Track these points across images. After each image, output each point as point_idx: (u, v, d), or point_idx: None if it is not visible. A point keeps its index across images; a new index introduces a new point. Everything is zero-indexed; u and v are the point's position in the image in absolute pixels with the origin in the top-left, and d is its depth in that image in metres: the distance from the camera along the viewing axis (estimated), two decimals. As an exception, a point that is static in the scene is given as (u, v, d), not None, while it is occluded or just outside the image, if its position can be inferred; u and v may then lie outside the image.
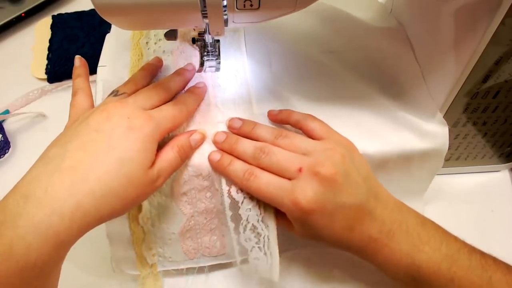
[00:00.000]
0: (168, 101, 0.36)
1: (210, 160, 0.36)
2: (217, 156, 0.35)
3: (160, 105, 0.35)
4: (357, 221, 0.33)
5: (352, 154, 0.35)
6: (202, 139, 0.37)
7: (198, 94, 0.38)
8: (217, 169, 0.36)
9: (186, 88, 0.39)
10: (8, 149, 0.52)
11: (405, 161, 0.40)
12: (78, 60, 0.39)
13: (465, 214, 0.46)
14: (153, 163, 0.32)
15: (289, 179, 0.33)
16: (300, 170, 0.32)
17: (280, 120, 0.38)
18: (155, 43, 0.42)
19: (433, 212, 0.42)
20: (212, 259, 0.39)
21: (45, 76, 0.58)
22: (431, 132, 0.39)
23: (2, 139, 0.52)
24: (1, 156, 0.51)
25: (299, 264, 0.42)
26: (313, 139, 0.35)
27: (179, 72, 0.38)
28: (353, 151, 0.36)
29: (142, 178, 0.30)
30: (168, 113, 0.34)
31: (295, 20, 0.47)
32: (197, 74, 0.40)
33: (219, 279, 0.42)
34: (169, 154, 0.33)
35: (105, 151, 0.29)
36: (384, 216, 0.34)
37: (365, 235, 0.33)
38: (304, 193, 0.32)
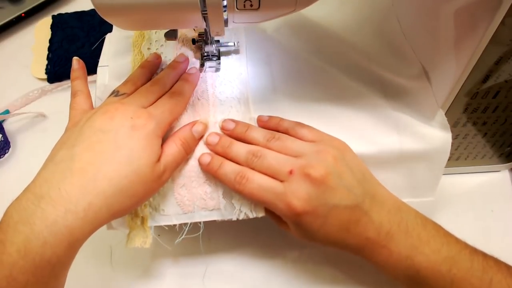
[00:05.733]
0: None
1: (200, 163, 0.36)
2: (207, 158, 0.36)
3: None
4: (352, 222, 0.33)
5: (344, 155, 0.35)
6: (205, 130, 0.37)
7: (191, 81, 0.38)
8: (208, 172, 0.36)
9: None
10: (8, 149, 0.52)
11: (404, 162, 0.39)
12: (76, 62, 0.39)
13: (465, 214, 0.46)
14: (158, 158, 0.32)
15: (281, 181, 0.33)
16: (291, 172, 0.33)
17: (269, 127, 0.38)
18: (157, 48, 0.42)
19: (433, 212, 0.42)
20: (208, 213, 0.37)
21: (45, 76, 0.58)
22: (432, 133, 0.39)
23: (2, 139, 0.51)
24: (1, 156, 0.51)
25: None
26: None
27: (172, 66, 0.39)
28: (346, 152, 0.35)
29: (150, 174, 0.31)
30: (165, 107, 0.35)
31: (296, 19, 0.47)
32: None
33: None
34: (172, 148, 0.34)
35: (113, 151, 0.30)
36: (381, 217, 0.34)
37: (362, 236, 0.33)
38: (296, 195, 0.32)
